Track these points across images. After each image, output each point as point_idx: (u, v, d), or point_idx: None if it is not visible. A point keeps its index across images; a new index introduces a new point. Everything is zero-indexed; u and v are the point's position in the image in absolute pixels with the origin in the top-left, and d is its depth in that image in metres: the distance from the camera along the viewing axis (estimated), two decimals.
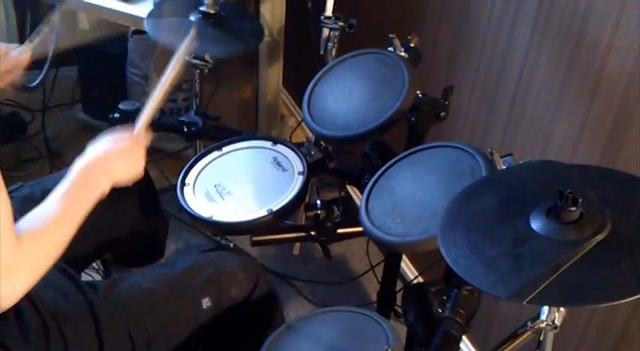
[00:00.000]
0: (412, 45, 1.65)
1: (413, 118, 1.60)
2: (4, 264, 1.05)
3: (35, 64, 2.67)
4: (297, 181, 1.53)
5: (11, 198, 1.06)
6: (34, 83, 2.48)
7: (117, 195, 1.57)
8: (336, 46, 1.87)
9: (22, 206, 1.15)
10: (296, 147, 1.62)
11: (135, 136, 1.34)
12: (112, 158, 1.27)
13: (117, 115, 1.82)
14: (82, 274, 1.78)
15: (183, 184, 1.54)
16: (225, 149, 1.64)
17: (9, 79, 1.51)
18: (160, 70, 1.40)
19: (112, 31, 2.57)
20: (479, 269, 0.97)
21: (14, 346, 1.23)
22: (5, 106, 2.74)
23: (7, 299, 1.08)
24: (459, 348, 1.28)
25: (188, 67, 1.88)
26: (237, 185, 1.54)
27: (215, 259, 1.48)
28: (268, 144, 1.64)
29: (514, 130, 1.73)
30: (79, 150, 1.28)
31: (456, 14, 1.89)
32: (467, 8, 1.84)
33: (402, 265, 2.24)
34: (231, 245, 1.98)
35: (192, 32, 1.47)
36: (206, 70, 1.89)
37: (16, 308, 1.23)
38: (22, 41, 2.86)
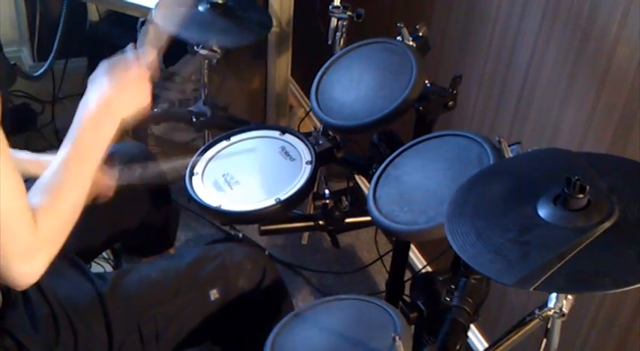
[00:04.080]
0: (421, 34, 1.65)
1: (421, 108, 1.59)
2: (25, 246, 1.05)
3: (43, 56, 2.67)
4: (305, 171, 1.53)
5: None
6: (39, 73, 2.49)
7: (128, 186, 1.58)
8: (344, 35, 1.87)
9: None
10: (304, 136, 1.62)
11: (136, 63, 1.27)
12: (115, 97, 1.21)
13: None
14: (93, 264, 1.79)
15: (191, 173, 1.55)
16: (233, 139, 1.65)
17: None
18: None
19: None
20: (486, 257, 0.96)
21: (23, 336, 1.24)
22: (16, 97, 2.75)
23: (32, 276, 1.09)
24: (467, 336, 1.28)
25: (197, 58, 1.89)
26: (245, 175, 1.54)
27: (222, 251, 1.48)
28: (276, 133, 1.65)
29: (523, 119, 1.72)
30: None
31: (465, 3, 1.89)
32: None
33: (411, 254, 2.24)
34: (240, 235, 1.98)
35: None
36: (214, 61, 1.90)
37: (26, 298, 1.24)
38: (32, 36, 2.89)
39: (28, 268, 1.07)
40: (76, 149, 1.15)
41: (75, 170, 1.14)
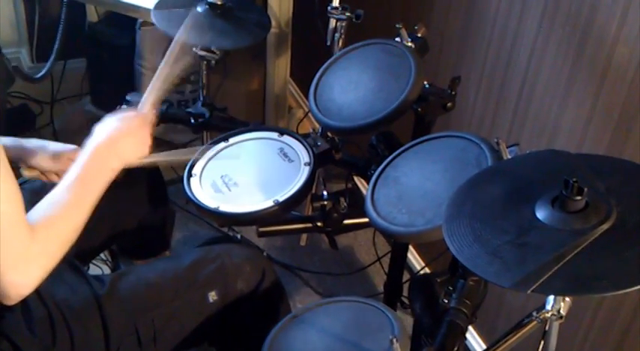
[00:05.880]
0: (419, 35, 1.65)
1: (419, 109, 1.59)
2: (18, 255, 1.05)
3: (42, 57, 2.66)
4: (304, 172, 1.52)
5: (22, 190, 1.07)
6: (40, 75, 2.49)
7: (126, 187, 1.58)
8: (343, 36, 1.87)
9: (33, 198, 1.15)
10: (302, 138, 1.62)
11: (140, 115, 1.35)
12: (121, 138, 1.29)
13: (125, 107, 1.83)
14: (90, 266, 1.79)
15: (190, 175, 1.55)
16: (231, 140, 1.64)
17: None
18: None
19: None
20: (483, 259, 0.96)
21: (20, 339, 1.24)
22: (14, 99, 2.75)
23: (24, 288, 1.09)
24: (464, 338, 1.28)
25: (195, 59, 1.88)
26: (243, 176, 1.54)
27: (221, 253, 1.48)
28: (275, 135, 1.64)
29: (522, 121, 1.72)
30: None
31: (464, 4, 1.89)
32: None
33: (409, 256, 2.24)
34: (239, 236, 1.98)
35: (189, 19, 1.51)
36: (213, 62, 1.89)
37: (23, 301, 1.23)
38: (30, 36, 2.88)
39: (19, 279, 1.07)
40: (82, 174, 1.20)
41: (78, 192, 1.18)
